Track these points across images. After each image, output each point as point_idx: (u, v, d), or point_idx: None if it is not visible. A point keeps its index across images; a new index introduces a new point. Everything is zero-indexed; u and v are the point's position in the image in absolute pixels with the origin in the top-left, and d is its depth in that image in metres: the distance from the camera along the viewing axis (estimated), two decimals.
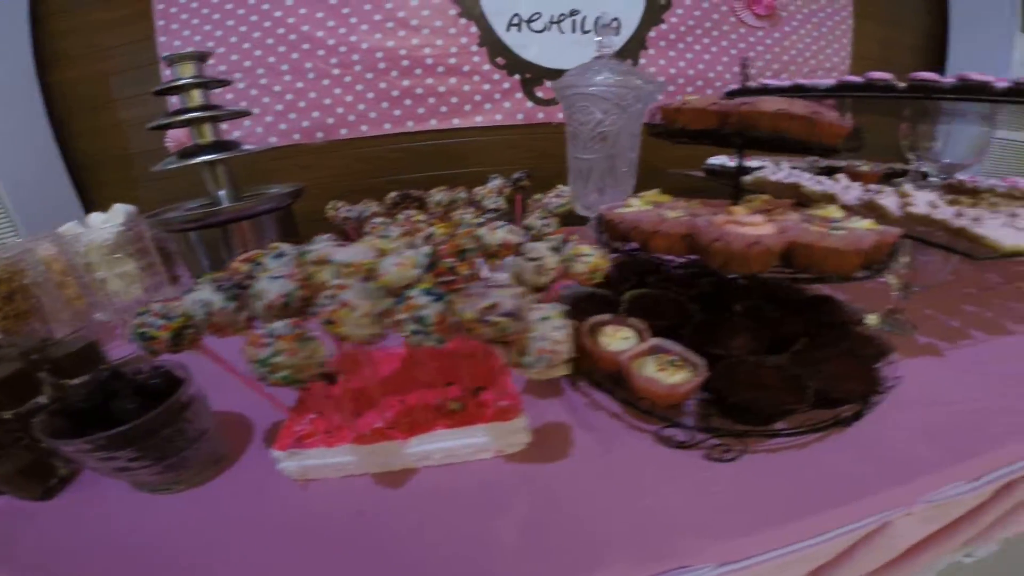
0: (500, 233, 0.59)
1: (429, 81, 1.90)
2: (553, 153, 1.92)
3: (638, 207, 0.67)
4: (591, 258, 0.57)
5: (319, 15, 1.78)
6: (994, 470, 0.55)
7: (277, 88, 1.82)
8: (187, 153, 1.01)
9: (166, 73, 1.69)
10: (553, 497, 0.49)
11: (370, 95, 1.87)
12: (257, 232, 1.05)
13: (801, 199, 0.89)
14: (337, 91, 1.85)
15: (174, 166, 0.99)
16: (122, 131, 1.83)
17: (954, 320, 0.90)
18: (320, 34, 1.79)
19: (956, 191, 1.21)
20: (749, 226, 0.53)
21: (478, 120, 1.98)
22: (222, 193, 1.07)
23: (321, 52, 1.81)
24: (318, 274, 0.49)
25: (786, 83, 1.06)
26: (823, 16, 2.24)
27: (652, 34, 2.05)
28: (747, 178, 1.08)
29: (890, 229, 0.58)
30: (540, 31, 1.95)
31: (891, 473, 0.52)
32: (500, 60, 1.94)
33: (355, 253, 0.50)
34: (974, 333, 0.85)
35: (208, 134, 1.03)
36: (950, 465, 0.53)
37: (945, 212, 0.70)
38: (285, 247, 0.55)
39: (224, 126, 1.11)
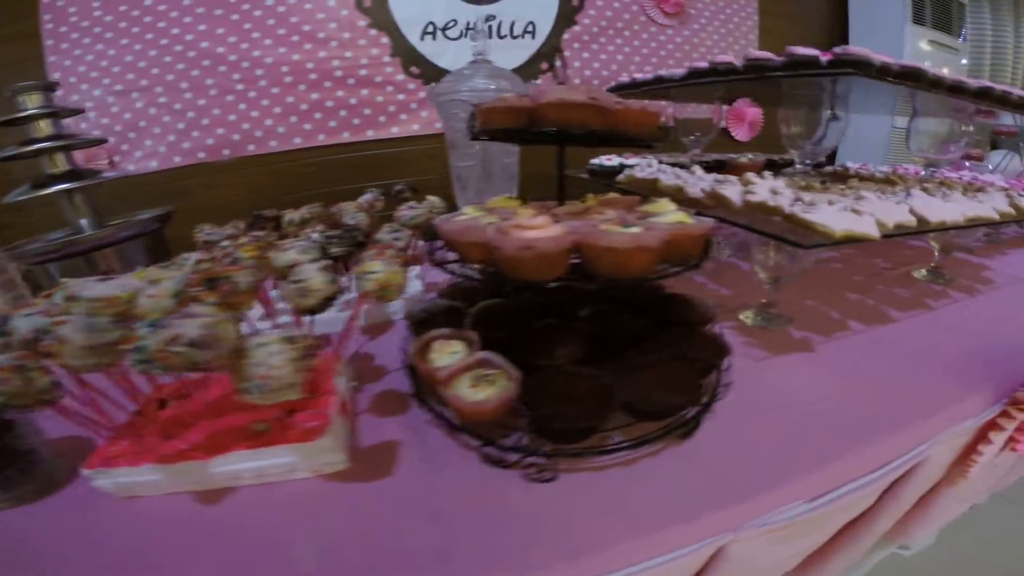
0: (290, 254, 0.57)
1: (340, 94, 1.85)
2: None
3: (469, 215, 0.64)
4: (379, 275, 0.55)
5: (219, 31, 1.71)
6: (841, 485, 0.52)
7: (177, 106, 1.74)
8: (39, 183, 0.94)
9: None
10: (360, 517, 0.47)
11: (277, 110, 1.81)
12: (123, 259, 0.99)
13: (656, 193, 0.89)
14: (242, 107, 1.78)
15: (24, 197, 0.92)
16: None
17: (834, 311, 0.88)
18: (221, 50, 1.72)
19: (837, 178, 1.24)
20: (532, 229, 0.50)
21: (394, 131, 1.94)
22: (84, 222, 1.00)
23: (223, 68, 1.74)
24: (70, 309, 0.46)
25: (649, 76, 1.07)
26: (729, 13, 2.31)
27: (566, 36, 2.06)
28: (620, 176, 1.09)
29: (701, 222, 0.55)
30: (456, 38, 1.93)
31: (721, 493, 0.47)
32: (415, 69, 1.91)
33: (112, 287, 0.47)
34: (851, 324, 0.82)
35: (61, 163, 0.96)
36: (787, 482, 0.49)
37: (783, 199, 0.70)
38: (72, 283, 0.51)
39: (79, 153, 1.03)
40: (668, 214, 0.58)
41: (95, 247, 0.95)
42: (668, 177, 0.93)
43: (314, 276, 0.52)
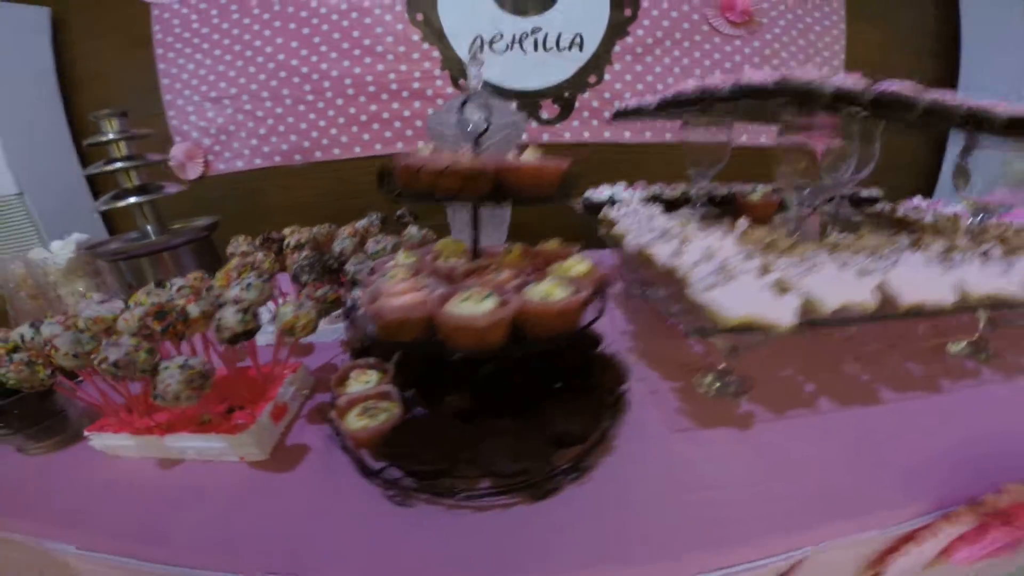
0: (233, 291, 0.71)
1: (395, 106, 1.98)
2: None
3: (397, 263, 0.71)
4: (286, 316, 0.66)
5: (293, 44, 1.91)
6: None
7: (259, 113, 1.98)
8: (118, 196, 1.16)
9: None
10: (256, 499, 0.60)
11: (341, 120, 1.98)
12: (176, 261, 1.20)
13: (613, 240, 0.88)
14: (312, 116, 1.98)
15: (105, 208, 1.15)
16: None
17: (812, 384, 0.81)
18: (294, 62, 1.92)
19: (875, 221, 1.12)
20: (394, 296, 0.55)
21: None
22: (149, 228, 1.22)
23: (296, 79, 1.94)
24: (77, 322, 0.62)
25: (651, 101, 1.03)
26: (810, 21, 2.08)
27: (617, 48, 2.00)
28: (601, 214, 1.07)
29: (573, 296, 0.57)
30: (502, 52, 1.97)
31: (545, 561, 0.50)
32: (463, 83, 1.98)
33: (104, 309, 0.64)
34: (821, 402, 0.76)
35: (134, 179, 1.18)
36: (621, 566, 0.50)
37: (705, 267, 0.62)
38: (84, 303, 0.67)
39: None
40: (560, 282, 0.60)
41: (152, 251, 1.16)
42: (628, 222, 0.92)
43: (227, 317, 0.64)
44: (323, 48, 1.92)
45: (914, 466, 0.62)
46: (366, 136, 2.01)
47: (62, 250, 1.21)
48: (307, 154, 2.02)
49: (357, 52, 1.92)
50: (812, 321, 0.61)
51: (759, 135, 2.08)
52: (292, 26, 1.89)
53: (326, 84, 1.94)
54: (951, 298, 0.66)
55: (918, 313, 0.65)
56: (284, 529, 0.56)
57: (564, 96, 2.03)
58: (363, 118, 1.98)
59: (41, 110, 1.85)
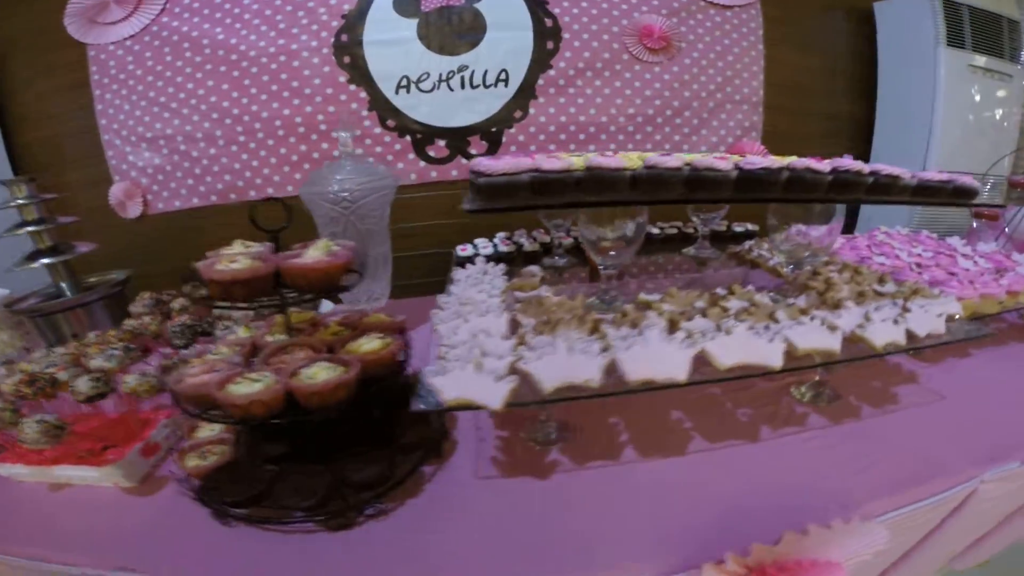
0: (97, 360, 0.86)
1: (324, 146, 2.02)
2: (448, 211, 2.03)
3: (231, 341, 0.82)
4: (130, 384, 0.81)
5: (224, 87, 1.94)
6: None
7: (194, 153, 2.01)
8: (31, 257, 1.22)
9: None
10: (119, 519, 0.74)
11: (273, 160, 2.02)
12: (90, 316, 1.26)
13: None
14: (244, 156, 2.02)
15: (19, 268, 1.20)
16: (71, 191, 2.08)
17: (629, 432, 0.86)
18: (226, 104, 1.96)
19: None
20: (193, 376, 0.72)
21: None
22: (64, 285, 1.28)
23: (228, 121, 1.98)
24: None
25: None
26: (729, 43, 2.13)
27: (541, 82, 2.05)
28: None
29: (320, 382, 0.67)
30: (429, 91, 2.01)
31: None
32: (390, 123, 2.02)
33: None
34: (626, 453, 0.81)
35: (46, 240, 1.23)
36: None
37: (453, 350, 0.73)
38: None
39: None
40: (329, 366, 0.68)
41: (66, 308, 1.22)
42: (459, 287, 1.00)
43: (80, 384, 0.80)
44: (253, 90, 1.95)
45: (679, 521, 0.67)
46: (297, 175, 2.05)
47: None
48: (241, 193, 2.06)
49: (286, 94, 1.96)
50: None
51: None
52: (222, 69, 1.93)
53: (257, 125, 1.98)
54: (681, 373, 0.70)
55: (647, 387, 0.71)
56: (139, 537, 0.70)
57: (491, 131, 2.08)
58: (294, 158, 2.03)
59: None
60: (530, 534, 0.66)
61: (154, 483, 0.81)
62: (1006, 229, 1.47)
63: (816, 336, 0.69)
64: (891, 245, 1.28)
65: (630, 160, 0.71)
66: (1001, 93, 2.01)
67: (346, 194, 1.10)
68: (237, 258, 0.72)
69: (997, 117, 2.03)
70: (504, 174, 0.67)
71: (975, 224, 1.57)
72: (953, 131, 1.95)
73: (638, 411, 0.92)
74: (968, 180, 0.80)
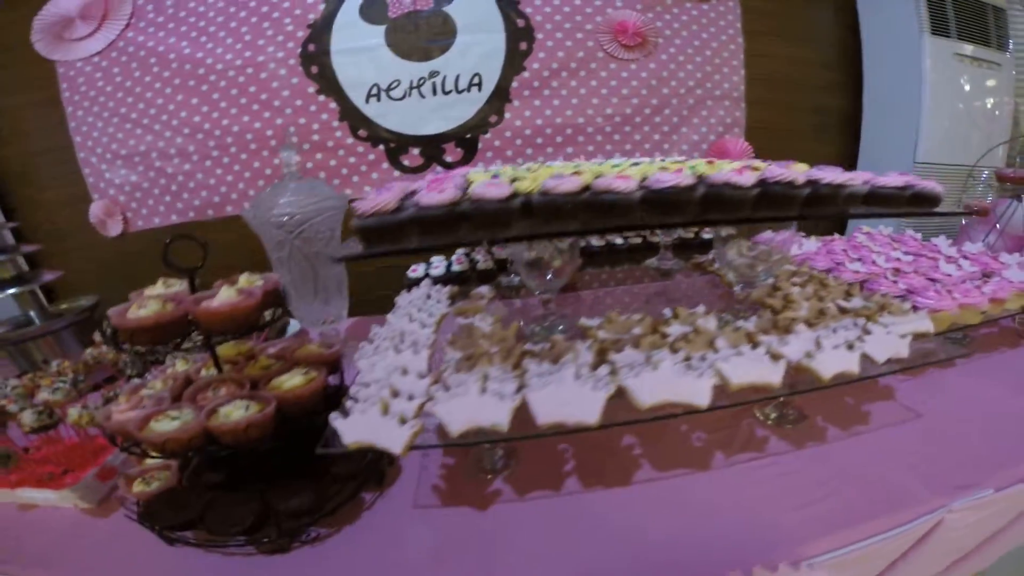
0: (44, 393, 0.88)
1: (297, 159, 1.99)
2: None
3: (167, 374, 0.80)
4: (73, 416, 0.84)
5: (194, 101, 1.91)
6: None
7: (169, 170, 1.98)
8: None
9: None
10: (76, 537, 0.78)
11: (247, 173, 1.98)
12: (59, 342, 1.24)
13: None
14: (218, 171, 1.99)
15: None
16: (50, 209, 2.07)
17: (575, 460, 0.83)
18: (196, 119, 1.92)
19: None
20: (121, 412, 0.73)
21: (348, 193, 2.05)
22: (32, 313, 1.26)
23: (200, 136, 1.94)
24: None
25: None
26: (706, 38, 2.05)
27: (515, 85, 1.98)
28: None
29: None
30: (400, 99, 1.95)
31: None
32: (362, 132, 1.97)
33: None
34: (570, 483, 0.78)
35: (10, 271, 1.22)
36: None
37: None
38: None
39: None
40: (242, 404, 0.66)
41: (34, 336, 1.21)
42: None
43: (26, 417, 0.83)
44: (223, 104, 1.92)
45: (616, 562, 0.64)
46: (269, 190, 2.01)
47: None
48: (218, 209, 2.03)
49: (255, 107, 1.92)
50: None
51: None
52: (191, 83, 1.89)
53: (228, 139, 1.95)
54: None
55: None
56: (94, 556, 0.74)
57: (466, 138, 2.03)
58: (267, 171, 1.99)
59: None
60: (461, 568, 0.65)
61: (112, 504, 0.84)
62: (997, 225, 1.39)
63: (755, 368, 0.63)
64: (870, 248, 1.21)
65: (585, 174, 0.65)
66: (991, 83, 1.91)
67: (286, 217, 1.06)
68: (146, 303, 0.68)
69: (988, 107, 1.92)
70: (375, 214, 0.62)
71: (964, 221, 1.48)
72: (941, 122, 1.85)
73: (586, 437, 0.87)
74: (929, 185, 0.73)
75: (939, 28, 1.82)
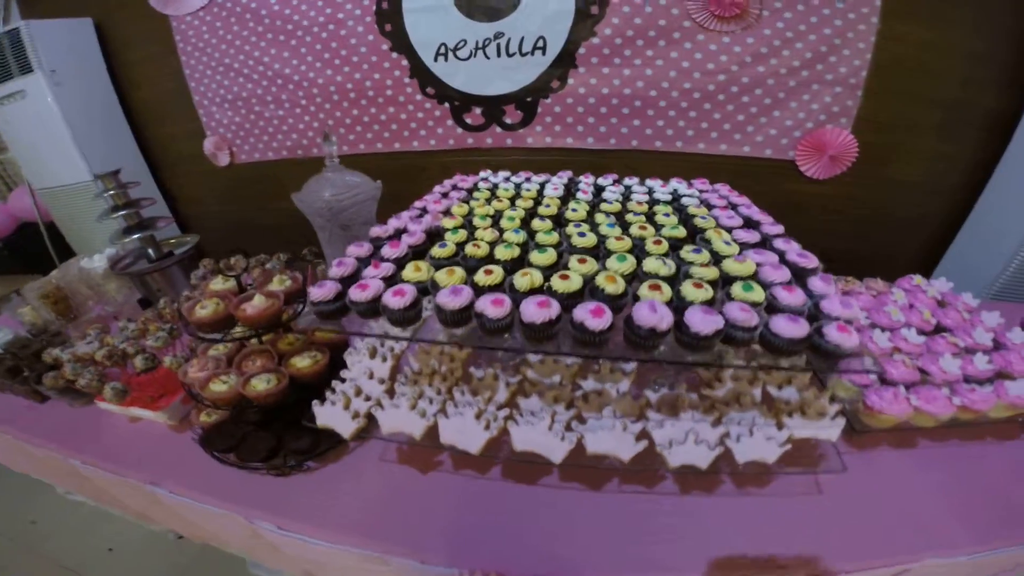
0: (149, 341, 1.25)
1: (372, 111, 2.26)
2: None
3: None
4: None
5: (285, 55, 2.24)
6: None
7: (266, 114, 2.41)
8: (126, 231, 1.69)
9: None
10: (168, 445, 1.21)
11: (330, 122, 2.33)
12: (166, 277, 1.74)
13: None
14: (306, 119, 2.36)
15: (116, 242, 1.69)
16: (174, 142, 2.64)
17: None
18: (287, 71, 2.27)
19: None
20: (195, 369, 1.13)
21: (415, 145, 2.30)
22: (150, 250, 1.75)
23: (290, 87, 2.30)
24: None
25: None
26: (829, 13, 1.82)
27: (582, 51, 2.00)
28: None
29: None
30: (466, 59, 2.09)
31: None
32: (430, 90, 2.17)
33: (88, 347, 1.23)
34: None
35: (134, 219, 1.69)
36: None
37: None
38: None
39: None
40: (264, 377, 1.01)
41: (149, 272, 1.70)
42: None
43: (138, 361, 1.24)
44: (309, 58, 2.22)
45: None
46: (351, 136, 2.35)
47: (98, 262, 1.82)
48: (306, 150, 2.43)
49: (337, 62, 2.20)
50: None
51: (742, 146, 2.03)
52: (281, 38, 2.21)
53: (314, 91, 2.28)
54: None
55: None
56: (163, 450, 1.15)
57: (527, 101, 2.13)
58: (347, 121, 2.31)
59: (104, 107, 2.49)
60: (400, 509, 0.96)
61: (190, 422, 1.23)
62: None
63: (612, 442, 0.82)
64: (888, 314, 1.20)
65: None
66: None
67: (324, 206, 1.34)
68: (207, 304, 1.04)
69: None
70: (318, 303, 0.86)
71: None
72: None
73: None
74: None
75: None
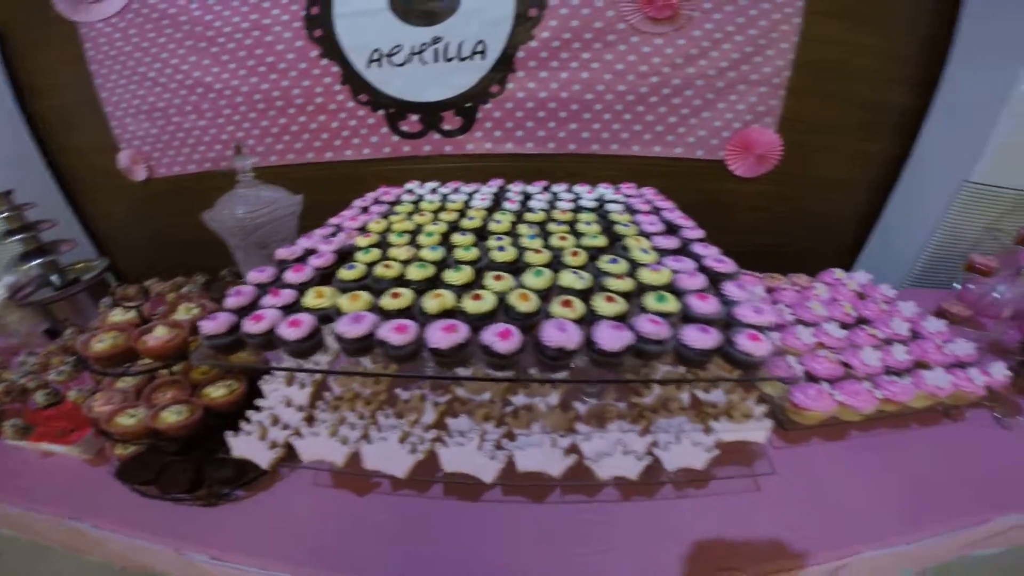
0: (51, 375, 1.17)
1: (302, 119, 2.22)
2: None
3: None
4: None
5: (205, 62, 2.17)
6: None
7: (186, 125, 2.32)
8: (24, 257, 1.59)
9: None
10: (76, 479, 1.16)
11: (255, 131, 2.27)
12: (73, 305, 1.65)
13: None
14: (230, 128, 2.28)
15: (13, 268, 1.59)
16: (85, 155, 2.49)
17: None
18: (208, 79, 2.19)
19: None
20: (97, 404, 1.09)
21: (348, 154, 2.27)
22: (53, 277, 1.66)
23: (212, 95, 2.22)
24: None
25: None
26: (755, 14, 1.92)
27: (521, 54, 2.03)
28: None
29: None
30: (401, 64, 2.08)
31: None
32: (363, 97, 2.15)
33: None
34: None
35: (33, 243, 1.60)
36: None
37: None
38: None
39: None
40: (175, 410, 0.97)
41: (54, 300, 1.61)
42: None
43: (37, 397, 1.22)
44: (232, 66, 2.16)
45: None
46: (279, 146, 2.29)
47: None
48: (230, 162, 2.33)
49: (262, 69, 2.15)
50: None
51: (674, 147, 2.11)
52: (202, 44, 2.14)
53: (238, 100, 2.21)
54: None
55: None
56: (89, 495, 1.08)
57: (466, 107, 2.14)
58: (274, 130, 2.26)
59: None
60: (334, 530, 0.96)
61: (102, 456, 1.19)
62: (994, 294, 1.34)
63: (541, 459, 0.83)
64: (811, 310, 1.27)
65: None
66: None
67: (237, 224, 1.31)
68: (103, 337, 0.99)
69: None
70: (210, 336, 0.84)
71: (955, 285, 1.45)
72: (1020, 143, 1.68)
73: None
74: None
75: None
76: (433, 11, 2.00)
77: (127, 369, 1.03)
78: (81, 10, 2.12)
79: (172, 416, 1.03)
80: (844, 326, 1.23)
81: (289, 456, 0.97)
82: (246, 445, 0.94)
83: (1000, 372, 1.16)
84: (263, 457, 0.93)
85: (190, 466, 1.06)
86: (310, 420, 0.97)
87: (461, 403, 0.96)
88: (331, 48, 2.08)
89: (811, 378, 1.09)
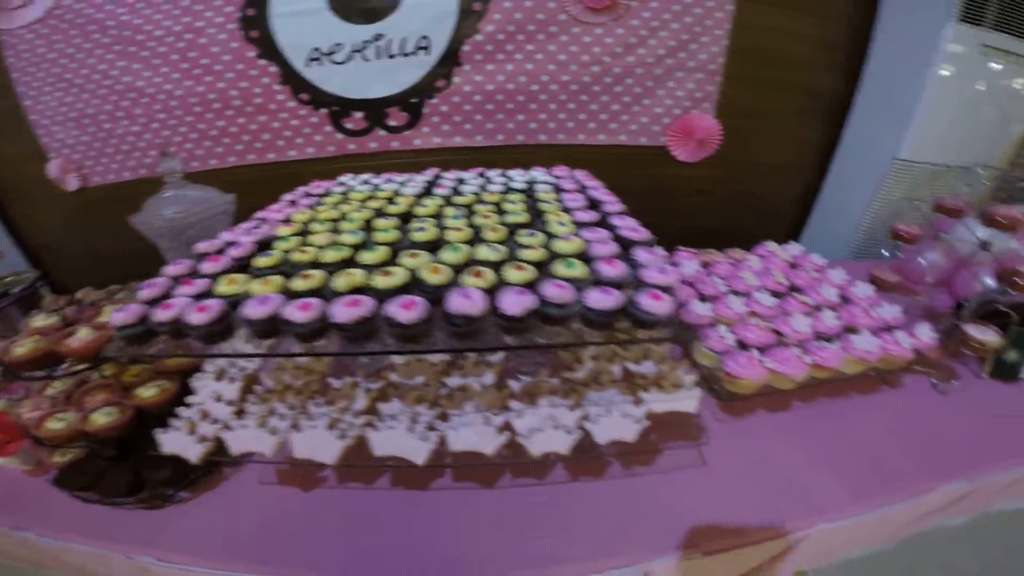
0: None
1: (241, 121, 2.19)
2: None
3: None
4: None
5: (136, 67, 2.12)
6: None
7: (119, 132, 2.26)
8: None
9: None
10: (22, 490, 1.09)
11: (193, 135, 2.22)
12: (2, 317, 1.58)
13: None
14: (165, 133, 2.23)
15: None
16: (11, 165, 2.40)
17: None
18: (140, 84, 2.14)
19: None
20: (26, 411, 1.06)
21: (291, 154, 2.25)
22: None
23: (145, 100, 2.17)
24: None
25: None
26: (689, 2, 1.99)
27: (466, 48, 2.05)
28: None
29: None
30: (342, 62, 2.08)
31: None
32: (304, 96, 2.14)
33: None
34: None
35: None
36: None
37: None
38: None
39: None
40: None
41: None
42: None
43: None
44: (164, 69, 2.11)
45: None
46: (219, 149, 2.25)
47: None
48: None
49: (197, 72, 2.11)
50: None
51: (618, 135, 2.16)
52: (131, 49, 2.09)
53: (172, 104, 2.17)
54: None
55: None
56: (30, 504, 1.04)
57: (411, 102, 2.15)
58: (213, 133, 2.22)
59: None
60: (280, 528, 0.96)
61: (44, 467, 1.14)
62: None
63: (474, 438, 0.84)
64: (743, 279, 1.31)
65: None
66: (1020, 82, 1.79)
67: (166, 224, 1.28)
68: (23, 342, 0.96)
69: (1005, 107, 1.82)
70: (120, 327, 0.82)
71: (883, 252, 1.52)
72: (941, 119, 1.79)
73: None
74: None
75: (972, 15, 1.70)
76: (374, 8, 2.01)
77: (51, 372, 1.00)
78: (1, 17, 2.05)
79: (102, 418, 1.01)
80: (776, 295, 1.27)
81: (218, 451, 0.96)
82: (175, 441, 0.92)
83: (927, 334, 1.21)
84: (192, 452, 0.91)
85: (128, 469, 1.04)
86: (240, 413, 0.96)
87: (395, 388, 0.96)
88: (268, 48, 2.07)
89: (742, 346, 1.12)
